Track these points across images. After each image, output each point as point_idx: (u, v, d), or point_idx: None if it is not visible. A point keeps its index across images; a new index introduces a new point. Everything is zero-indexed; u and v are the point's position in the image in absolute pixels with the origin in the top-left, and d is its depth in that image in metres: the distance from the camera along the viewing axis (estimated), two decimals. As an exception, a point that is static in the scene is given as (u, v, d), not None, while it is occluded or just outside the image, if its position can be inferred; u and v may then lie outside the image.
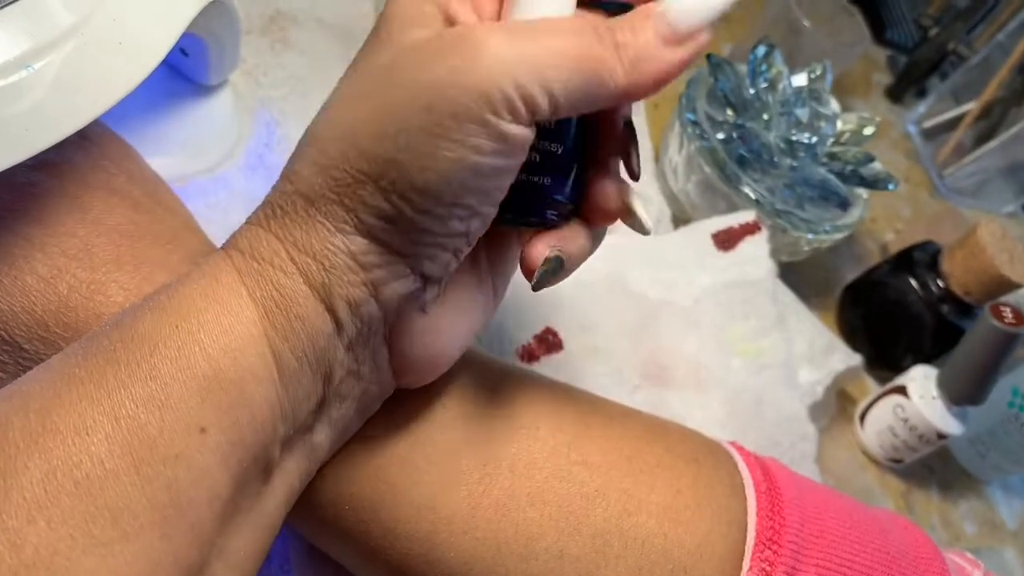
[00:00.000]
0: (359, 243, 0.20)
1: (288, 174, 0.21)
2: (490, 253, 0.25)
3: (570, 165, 0.23)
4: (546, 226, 0.23)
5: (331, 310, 0.20)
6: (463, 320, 0.24)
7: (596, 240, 0.25)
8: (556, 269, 0.23)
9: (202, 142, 0.39)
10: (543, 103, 0.19)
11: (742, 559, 0.25)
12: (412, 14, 0.20)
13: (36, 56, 0.23)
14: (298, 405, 0.20)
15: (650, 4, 0.20)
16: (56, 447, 0.17)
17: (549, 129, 0.22)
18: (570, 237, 0.24)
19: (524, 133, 0.19)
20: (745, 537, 0.25)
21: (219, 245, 0.30)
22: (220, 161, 0.39)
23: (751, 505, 0.26)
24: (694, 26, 0.19)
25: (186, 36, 0.29)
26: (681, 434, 0.29)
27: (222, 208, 0.38)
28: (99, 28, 0.24)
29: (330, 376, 0.21)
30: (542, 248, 0.23)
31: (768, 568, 0.24)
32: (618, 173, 0.23)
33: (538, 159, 0.22)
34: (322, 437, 0.22)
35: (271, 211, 0.21)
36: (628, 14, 0.20)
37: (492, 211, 0.21)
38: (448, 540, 0.24)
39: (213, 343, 0.18)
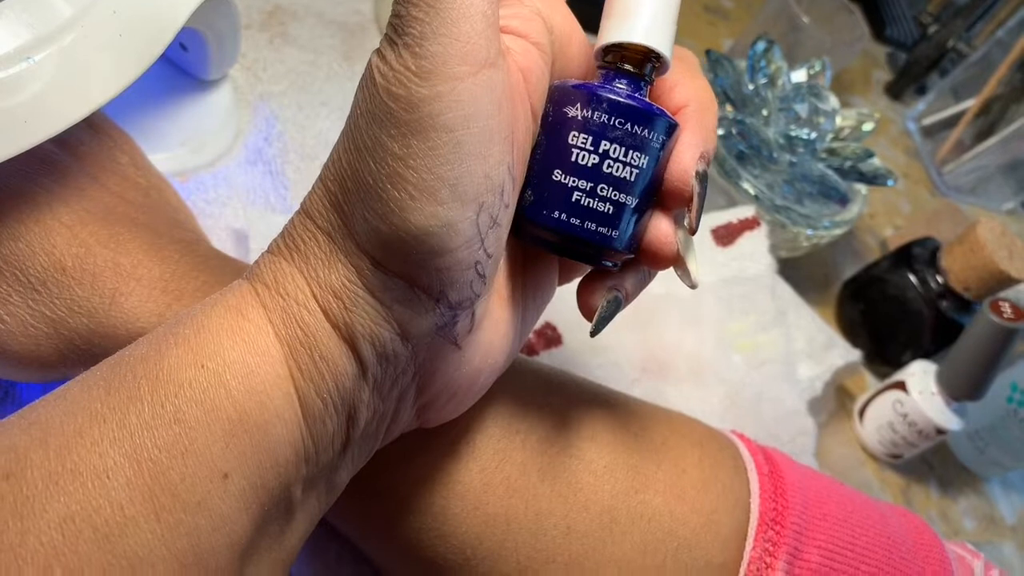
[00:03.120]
0: (377, 278, 0.19)
1: (307, 207, 0.20)
2: (527, 281, 0.24)
3: (637, 218, 0.21)
4: (602, 270, 0.23)
5: (354, 350, 0.19)
6: (496, 354, 0.23)
7: (650, 276, 0.24)
8: (615, 310, 0.23)
9: (202, 137, 0.39)
10: None
11: (746, 539, 0.25)
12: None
13: (36, 48, 0.23)
14: (322, 447, 0.20)
15: None
16: (76, 490, 0.16)
17: (620, 179, 0.21)
18: (627, 275, 0.23)
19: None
20: (749, 517, 0.25)
21: (215, 241, 0.31)
22: (219, 156, 0.39)
23: (754, 487, 0.26)
24: None
25: (185, 31, 0.29)
26: (684, 419, 0.29)
27: (221, 203, 0.38)
28: (99, 21, 0.24)
29: (355, 418, 0.20)
30: (602, 291, 0.22)
31: (771, 548, 0.24)
32: (680, 222, 0.22)
33: (606, 210, 0.21)
34: (344, 475, 0.22)
35: (293, 243, 0.20)
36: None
37: (499, 205, 0.20)
38: (460, 515, 0.25)
39: (239, 385, 0.18)
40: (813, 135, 0.49)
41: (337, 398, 0.19)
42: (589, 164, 0.20)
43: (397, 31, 0.18)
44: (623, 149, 0.20)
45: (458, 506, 0.25)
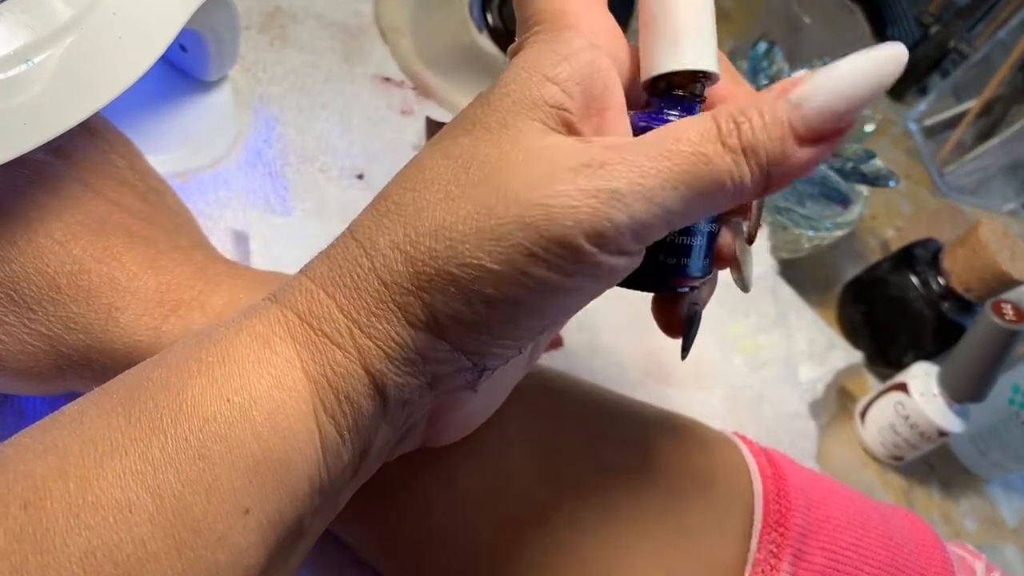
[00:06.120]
0: (427, 339, 0.19)
1: (363, 241, 0.19)
2: None
3: (710, 247, 0.21)
4: (678, 295, 0.23)
5: (382, 395, 0.19)
6: (506, 384, 0.23)
7: (716, 278, 0.24)
8: (698, 325, 0.23)
9: (201, 139, 0.39)
10: (656, 229, 0.18)
11: (750, 541, 0.25)
12: (531, 98, 0.18)
13: (35, 50, 0.23)
14: (336, 478, 0.20)
15: (784, 88, 0.18)
16: (97, 524, 0.16)
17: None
18: (703, 288, 0.23)
19: (624, 262, 0.18)
20: (752, 520, 0.25)
21: (215, 242, 0.31)
22: (219, 158, 0.39)
23: (757, 489, 0.26)
24: (837, 118, 0.17)
25: (185, 32, 0.29)
26: (687, 421, 0.29)
27: (220, 204, 0.38)
28: (99, 22, 0.24)
29: (368, 451, 0.20)
30: (683, 308, 0.23)
31: (775, 550, 0.24)
32: (738, 227, 0.22)
33: (697, 243, 0.21)
34: (347, 496, 0.22)
35: (339, 279, 0.19)
36: (756, 99, 0.18)
37: (568, 318, 0.20)
38: (463, 520, 0.25)
39: (265, 421, 0.18)
40: (814, 136, 0.49)
41: (355, 434, 0.19)
42: None
43: (604, 175, 0.17)
44: None
45: (461, 512, 0.25)
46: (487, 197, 0.18)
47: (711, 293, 0.24)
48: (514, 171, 0.18)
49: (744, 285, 0.23)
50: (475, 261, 0.18)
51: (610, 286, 0.19)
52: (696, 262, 0.21)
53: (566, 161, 0.18)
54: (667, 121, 0.20)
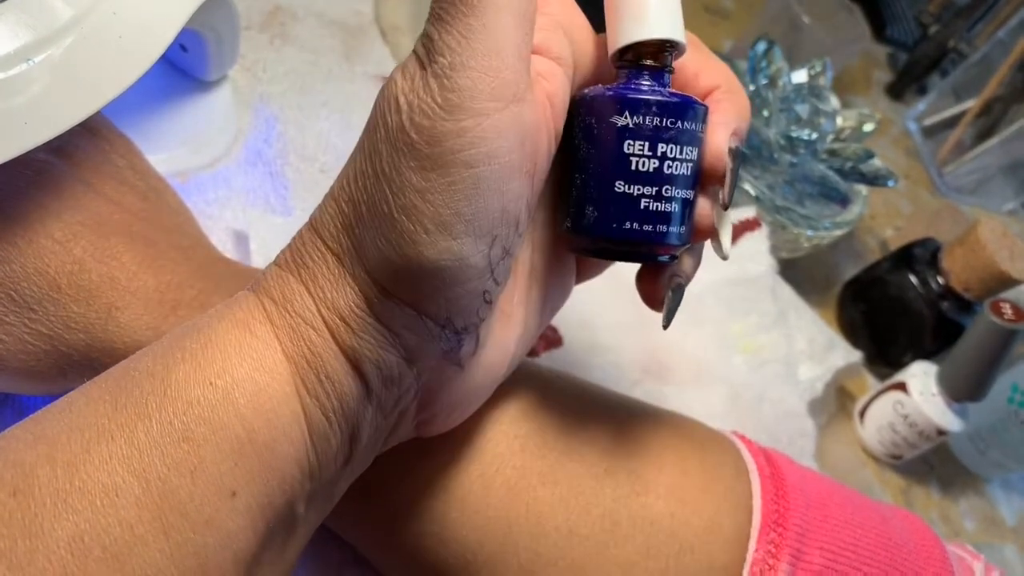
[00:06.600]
0: (385, 306, 0.19)
1: (316, 224, 0.20)
2: (541, 292, 0.24)
3: (687, 214, 0.22)
4: (660, 265, 0.23)
5: (360, 373, 0.19)
6: (496, 370, 0.23)
7: (701, 251, 0.24)
8: (681, 297, 0.23)
9: (201, 138, 0.39)
10: (474, 33, 0.18)
11: (748, 541, 0.25)
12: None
13: (36, 50, 0.23)
14: (326, 463, 0.20)
15: None
16: (85, 508, 0.16)
17: (680, 176, 0.21)
18: (684, 260, 0.23)
19: (499, 107, 0.18)
20: (751, 519, 0.25)
21: (215, 242, 0.31)
22: (219, 157, 0.39)
23: (756, 489, 0.26)
24: None
25: (185, 32, 0.29)
26: (685, 421, 0.29)
27: (220, 204, 0.38)
28: (99, 22, 0.24)
29: (358, 435, 0.20)
30: (665, 281, 0.23)
31: (774, 550, 0.24)
32: (714, 195, 0.23)
33: (673, 209, 0.21)
34: (343, 486, 0.22)
35: (300, 260, 0.20)
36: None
37: (512, 237, 0.20)
38: (460, 519, 0.25)
39: (248, 403, 0.18)
40: (814, 136, 0.49)
41: (341, 417, 0.19)
42: (651, 169, 0.20)
43: (429, 54, 0.18)
44: (678, 147, 0.21)
45: (458, 511, 0.25)
46: (370, 140, 0.19)
47: (695, 267, 0.24)
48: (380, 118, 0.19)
49: (723, 253, 0.23)
50: (375, 189, 0.18)
51: (512, 158, 0.18)
52: (674, 229, 0.21)
53: (402, 73, 0.18)
54: (656, 91, 0.20)
